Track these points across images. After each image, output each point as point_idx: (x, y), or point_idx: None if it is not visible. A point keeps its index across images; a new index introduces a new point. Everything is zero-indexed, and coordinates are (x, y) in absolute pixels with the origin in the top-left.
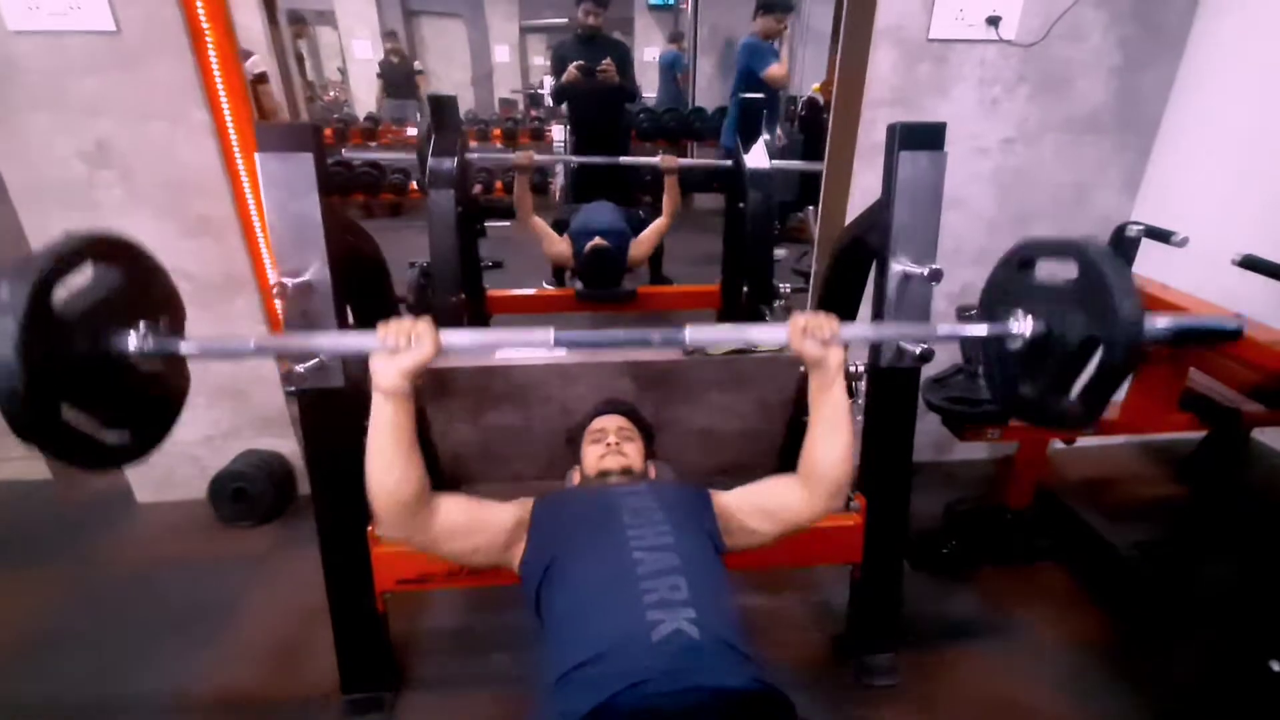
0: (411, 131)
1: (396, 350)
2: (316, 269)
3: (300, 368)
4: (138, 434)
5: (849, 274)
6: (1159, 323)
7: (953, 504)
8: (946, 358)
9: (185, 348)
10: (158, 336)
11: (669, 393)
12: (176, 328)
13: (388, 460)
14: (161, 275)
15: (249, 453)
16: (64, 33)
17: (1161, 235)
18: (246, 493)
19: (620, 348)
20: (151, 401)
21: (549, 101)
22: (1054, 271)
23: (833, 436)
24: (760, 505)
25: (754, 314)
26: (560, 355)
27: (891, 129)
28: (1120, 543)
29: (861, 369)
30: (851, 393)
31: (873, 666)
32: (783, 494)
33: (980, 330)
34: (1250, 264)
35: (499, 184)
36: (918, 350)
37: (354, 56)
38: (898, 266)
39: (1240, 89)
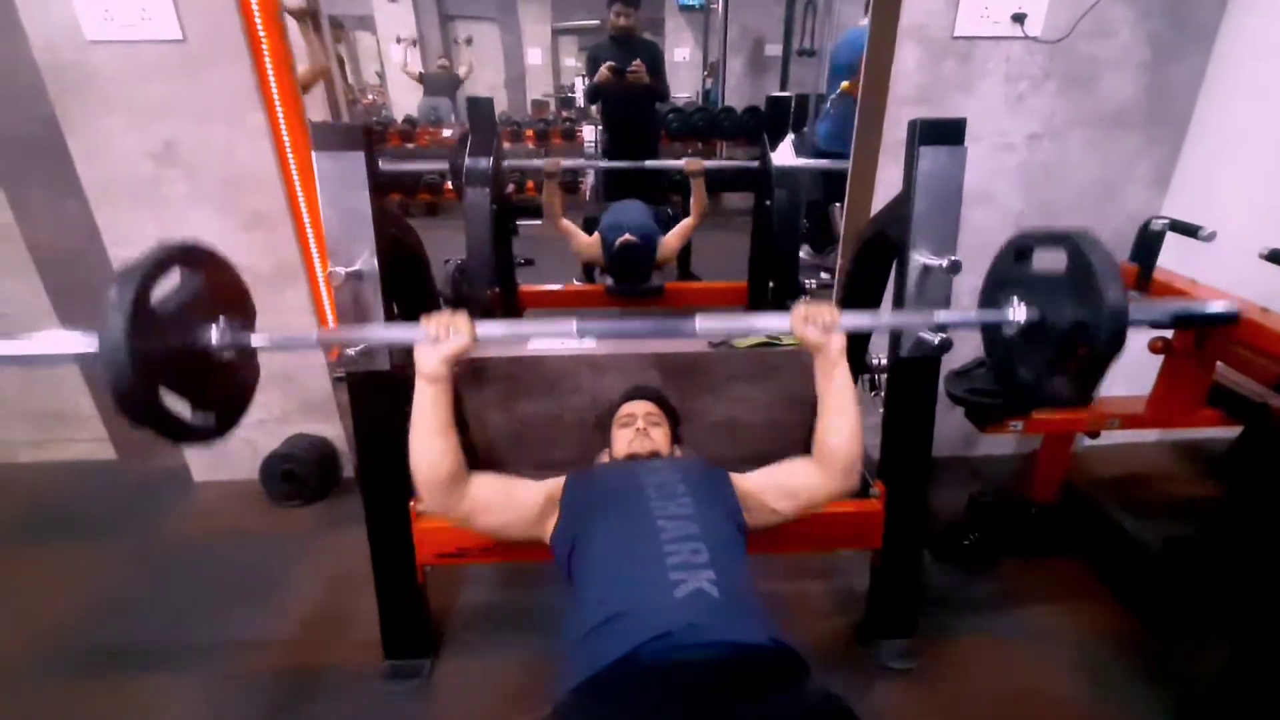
0: (447, 133)
1: (438, 340)
2: (366, 260)
3: (351, 351)
4: (220, 416)
5: (872, 266)
6: (1150, 308)
7: (976, 496)
8: (969, 351)
9: (255, 340)
10: (234, 331)
11: (695, 384)
12: (248, 325)
13: (428, 440)
14: (235, 278)
15: (297, 437)
16: (136, 42)
17: (1188, 230)
18: (295, 474)
19: (640, 338)
20: (229, 388)
21: (580, 102)
22: (1052, 261)
23: (840, 418)
24: (782, 485)
25: (780, 310)
26: (590, 347)
27: (912, 125)
28: (1147, 538)
29: (883, 361)
30: (875, 385)
31: (891, 651)
32: (802, 474)
33: (978, 317)
34: (1277, 258)
35: (530, 184)
36: (936, 340)
37: (392, 61)
38: (918, 258)
39: (1273, 82)
